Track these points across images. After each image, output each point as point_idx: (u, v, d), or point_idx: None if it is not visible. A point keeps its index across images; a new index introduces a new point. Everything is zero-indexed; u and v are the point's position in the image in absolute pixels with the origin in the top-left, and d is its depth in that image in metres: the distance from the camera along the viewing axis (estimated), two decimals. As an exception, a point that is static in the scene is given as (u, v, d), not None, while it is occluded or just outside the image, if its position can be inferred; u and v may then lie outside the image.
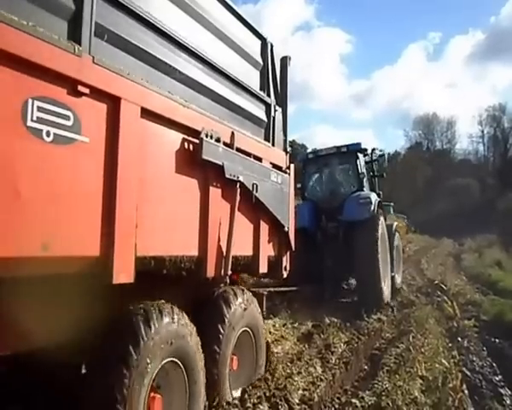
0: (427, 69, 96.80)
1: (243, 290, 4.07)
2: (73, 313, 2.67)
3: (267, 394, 3.79)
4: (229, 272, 3.64)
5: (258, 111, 4.37)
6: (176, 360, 2.99)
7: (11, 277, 2.06)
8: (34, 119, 2.14)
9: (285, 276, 4.86)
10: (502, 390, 4.43)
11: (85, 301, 2.74)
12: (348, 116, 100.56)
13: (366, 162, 9.78)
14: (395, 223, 10.62)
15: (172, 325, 2.93)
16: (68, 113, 2.32)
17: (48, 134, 2.21)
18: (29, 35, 2.10)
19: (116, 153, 2.56)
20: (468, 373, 4.75)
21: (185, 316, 3.11)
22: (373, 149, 10.16)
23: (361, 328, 6.73)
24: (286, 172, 4.76)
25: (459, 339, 6.16)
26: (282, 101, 4.78)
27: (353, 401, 3.89)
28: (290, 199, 4.82)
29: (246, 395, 3.61)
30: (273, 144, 4.60)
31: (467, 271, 14.12)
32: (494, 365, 5.16)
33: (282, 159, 4.75)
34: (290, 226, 4.77)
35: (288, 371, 4.54)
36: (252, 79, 4.29)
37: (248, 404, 3.49)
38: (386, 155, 10.28)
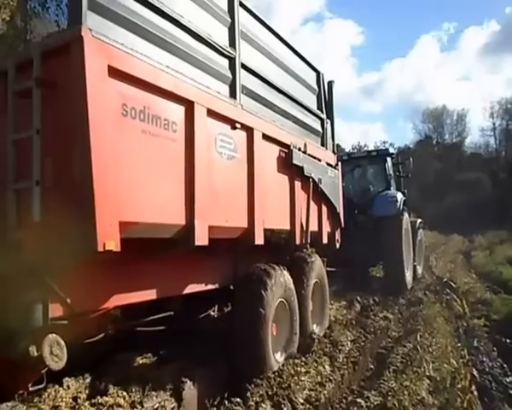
0: (440, 61, 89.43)
1: (314, 252, 5.61)
2: (225, 267, 4.27)
3: (269, 392, 3.74)
4: (309, 241, 5.22)
5: (317, 125, 5.95)
6: (283, 300, 4.47)
7: (213, 238, 3.63)
8: (219, 146, 3.72)
9: (337, 247, 6.43)
10: (513, 392, 4.29)
11: (233, 258, 4.35)
12: (357, 109, 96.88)
13: (393, 164, 10.98)
14: (419, 220, 11.81)
15: (282, 276, 4.46)
16: (231, 140, 3.89)
17: (224, 154, 3.79)
18: (218, 99, 3.67)
19: (253, 164, 4.13)
20: (478, 374, 4.63)
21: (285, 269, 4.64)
22: (398, 153, 11.45)
23: (367, 326, 6.57)
24: (336, 169, 6.33)
25: (469, 339, 5.96)
26: (330, 115, 6.34)
27: (358, 400, 3.87)
28: (339, 188, 6.41)
29: (248, 394, 3.64)
30: (326, 148, 6.16)
31: (477, 268, 13.49)
32: (505, 365, 5.02)
33: (332, 159, 6.33)
34: (340, 209, 6.35)
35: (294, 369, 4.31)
36: (312, 102, 5.86)
37: (250, 402, 3.54)
38: (411, 159, 11.56)
